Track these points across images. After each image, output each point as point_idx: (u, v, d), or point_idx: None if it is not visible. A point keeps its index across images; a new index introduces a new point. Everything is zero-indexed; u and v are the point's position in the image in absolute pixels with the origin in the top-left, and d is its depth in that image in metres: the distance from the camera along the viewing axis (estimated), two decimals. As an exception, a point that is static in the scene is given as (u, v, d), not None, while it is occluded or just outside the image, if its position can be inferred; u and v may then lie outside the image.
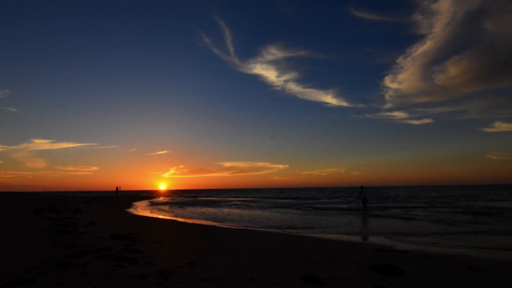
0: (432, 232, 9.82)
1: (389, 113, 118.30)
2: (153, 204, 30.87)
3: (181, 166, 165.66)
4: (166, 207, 25.26)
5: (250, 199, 42.15)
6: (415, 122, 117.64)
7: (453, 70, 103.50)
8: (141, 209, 22.45)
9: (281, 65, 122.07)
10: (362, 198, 19.48)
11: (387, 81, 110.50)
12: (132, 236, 7.44)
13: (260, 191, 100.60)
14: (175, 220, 14.57)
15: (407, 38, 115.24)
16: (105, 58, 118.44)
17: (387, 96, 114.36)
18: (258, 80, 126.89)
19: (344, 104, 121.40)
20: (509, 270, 5.01)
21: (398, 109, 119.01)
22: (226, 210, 21.36)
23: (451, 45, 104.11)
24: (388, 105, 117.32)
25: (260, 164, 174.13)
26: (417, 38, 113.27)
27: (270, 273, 4.50)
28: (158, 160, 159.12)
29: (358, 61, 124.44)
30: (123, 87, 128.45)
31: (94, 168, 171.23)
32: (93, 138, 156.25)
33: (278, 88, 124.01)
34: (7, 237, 6.58)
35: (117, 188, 43.75)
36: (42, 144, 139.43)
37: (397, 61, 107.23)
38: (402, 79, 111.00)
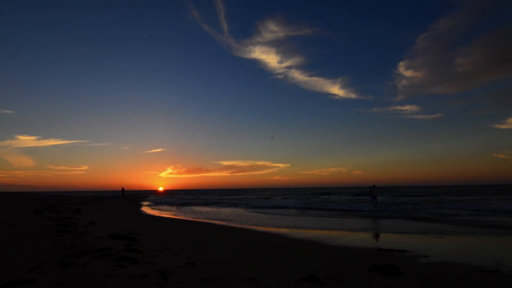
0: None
1: (399, 107, 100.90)
2: (152, 204, 30.89)
3: (178, 165, 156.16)
4: (165, 207, 25.29)
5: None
6: (426, 116, 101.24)
7: (479, 51, 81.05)
8: (141, 209, 22.46)
9: (283, 47, 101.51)
10: (372, 196, 22.37)
11: (402, 67, 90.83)
12: (132, 236, 7.45)
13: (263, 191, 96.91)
14: (175, 220, 14.57)
15: (434, 8, 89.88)
16: (90, 48, 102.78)
17: (399, 86, 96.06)
18: (257, 67, 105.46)
19: (352, 95, 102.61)
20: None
21: (410, 102, 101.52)
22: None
23: (486, 17, 79.32)
24: (399, 97, 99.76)
25: (260, 163, 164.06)
26: (447, 8, 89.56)
27: (269, 272, 4.51)
28: (153, 158, 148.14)
29: (373, 41, 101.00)
30: (110, 78, 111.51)
31: (85, 167, 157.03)
32: (82, 134, 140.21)
33: (280, 77, 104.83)
34: (7, 237, 6.59)
35: (122, 188, 48.03)
36: (27, 141, 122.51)
37: (417, 40, 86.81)
38: (419, 65, 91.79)
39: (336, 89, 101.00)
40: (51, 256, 4.87)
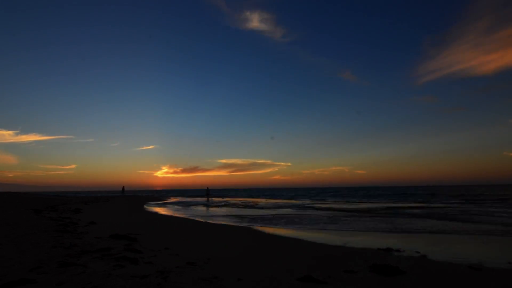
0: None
1: (415, 97, 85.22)
2: (151, 204, 30.88)
3: (173, 163, 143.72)
4: (165, 207, 25.30)
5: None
6: (443, 108, 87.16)
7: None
8: (140, 209, 22.45)
9: (285, 11, 79.49)
10: (208, 195, 41.83)
11: (426, 46, 74.48)
12: (132, 236, 7.46)
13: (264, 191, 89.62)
14: (175, 220, 14.57)
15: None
16: (74, 34, 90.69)
17: (420, 70, 77.79)
18: (256, 42, 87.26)
19: (366, 83, 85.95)
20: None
21: (429, 91, 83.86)
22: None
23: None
24: (419, 81, 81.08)
25: (261, 161, 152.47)
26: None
27: (269, 272, 4.51)
28: (145, 156, 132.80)
29: (396, 13, 78.78)
30: (93, 67, 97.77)
31: (73, 166, 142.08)
32: (67, 129, 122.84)
33: (283, 56, 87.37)
34: (7, 237, 6.59)
35: (123, 187, 51.11)
36: (4, 136, 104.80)
37: (451, 12, 68.81)
38: (449, 44, 71.42)
39: (348, 74, 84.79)
40: (51, 256, 4.88)
